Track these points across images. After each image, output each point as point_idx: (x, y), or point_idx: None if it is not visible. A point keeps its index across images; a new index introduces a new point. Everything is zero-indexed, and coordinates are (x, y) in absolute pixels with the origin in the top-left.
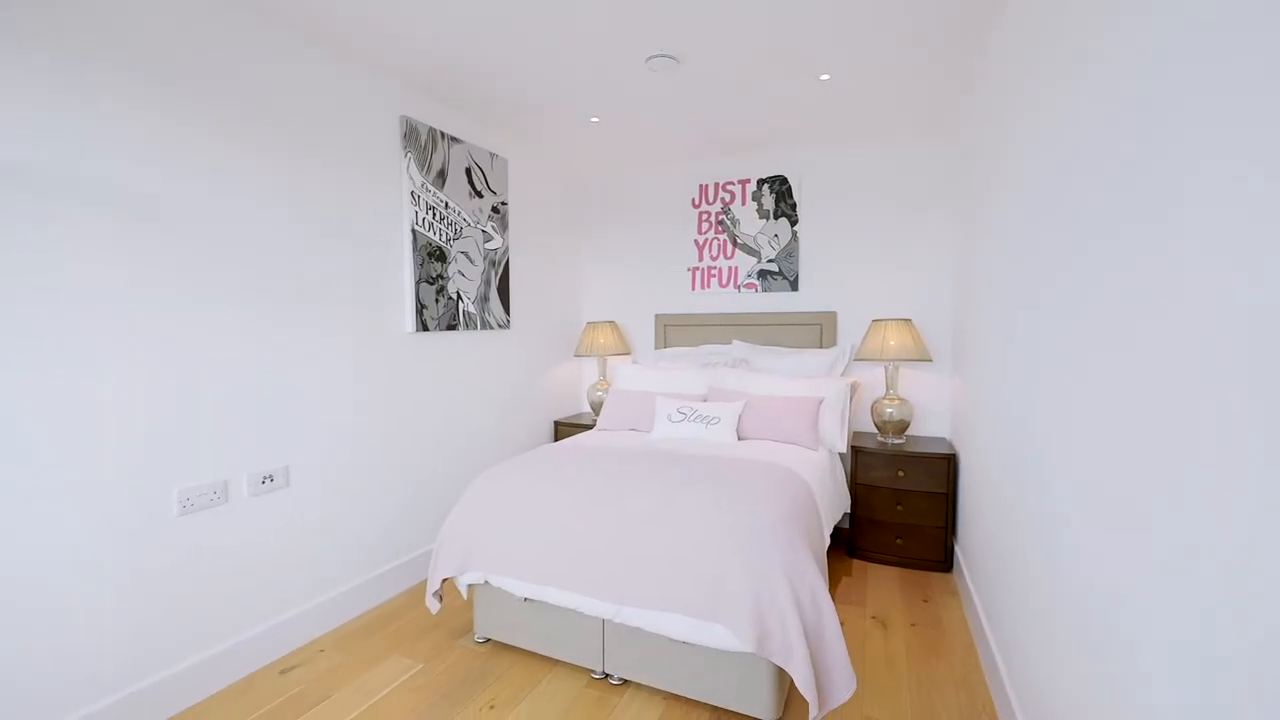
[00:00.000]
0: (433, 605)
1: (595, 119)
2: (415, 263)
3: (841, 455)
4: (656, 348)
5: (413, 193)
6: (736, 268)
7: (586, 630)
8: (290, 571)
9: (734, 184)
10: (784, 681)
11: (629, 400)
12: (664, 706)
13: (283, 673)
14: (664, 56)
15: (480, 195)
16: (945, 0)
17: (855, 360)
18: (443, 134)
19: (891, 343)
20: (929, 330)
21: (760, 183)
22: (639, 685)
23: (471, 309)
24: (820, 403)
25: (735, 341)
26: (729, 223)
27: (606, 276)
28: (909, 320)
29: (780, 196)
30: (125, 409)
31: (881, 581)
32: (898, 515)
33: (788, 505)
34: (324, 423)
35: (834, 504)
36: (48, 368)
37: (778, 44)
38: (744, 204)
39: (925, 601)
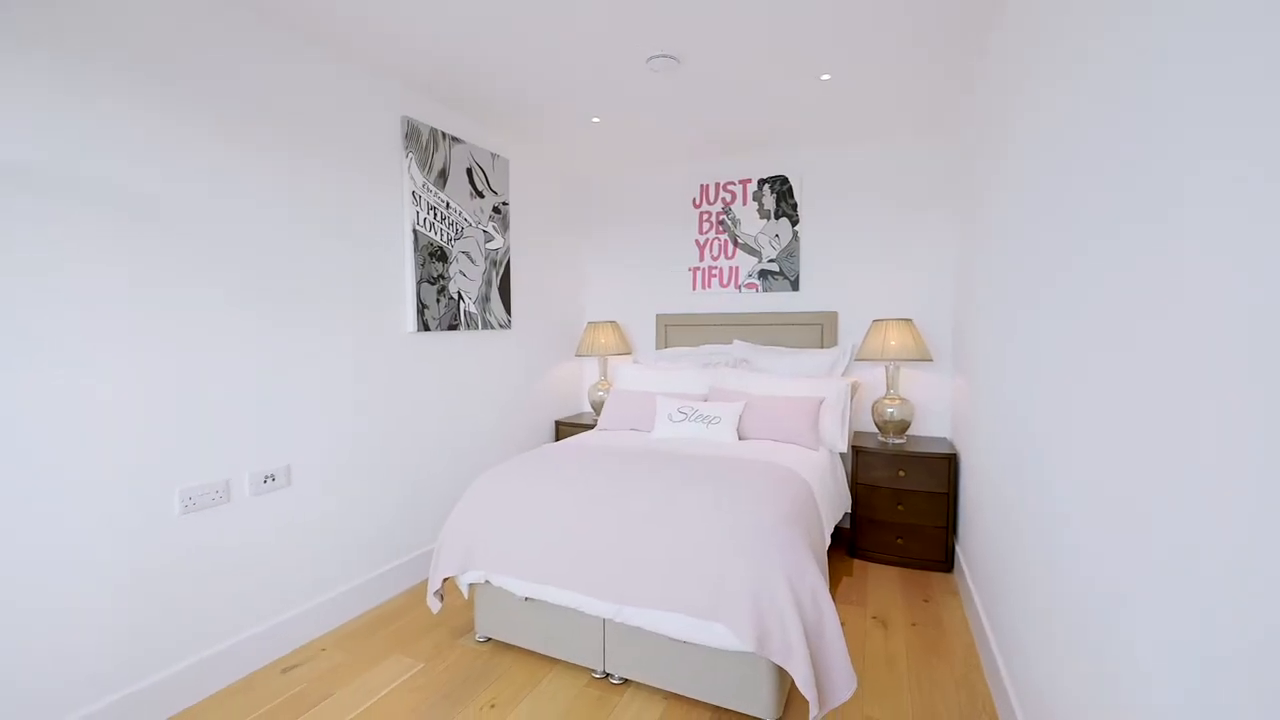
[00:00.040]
0: (434, 605)
1: (596, 119)
2: (416, 263)
3: (842, 455)
4: (657, 348)
5: (414, 193)
6: (737, 268)
7: (587, 630)
8: (291, 571)
9: (735, 184)
10: (784, 681)
11: (630, 400)
12: (664, 706)
13: (284, 672)
14: (664, 57)
15: (481, 195)
16: (945, 0)
17: (856, 360)
18: (444, 134)
19: (892, 343)
20: (929, 330)
21: (761, 183)
22: (639, 685)
23: (473, 309)
24: (821, 403)
25: (736, 341)
26: (730, 223)
27: (607, 276)
28: (910, 320)
29: (781, 196)
30: (126, 409)
31: (882, 581)
32: (898, 515)
33: (788, 505)
34: (325, 422)
35: (835, 504)
36: (48, 368)
37: (778, 44)
38: (745, 204)
39: (926, 601)
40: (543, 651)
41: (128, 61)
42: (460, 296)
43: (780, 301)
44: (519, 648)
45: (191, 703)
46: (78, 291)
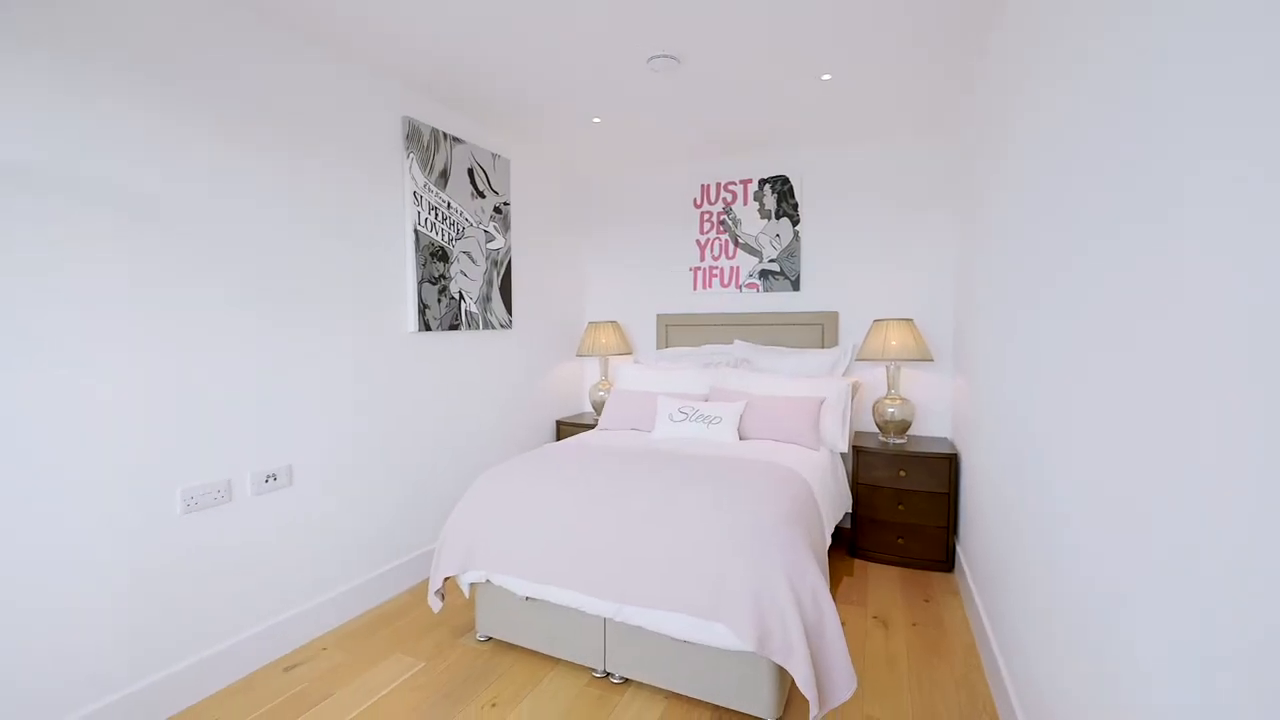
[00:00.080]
0: (435, 604)
1: (597, 119)
2: (418, 263)
3: (843, 455)
4: (658, 347)
5: (415, 193)
6: (738, 268)
7: (588, 629)
8: (292, 570)
9: (735, 184)
10: (785, 681)
11: (630, 400)
12: (665, 705)
13: (285, 671)
14: (665, 57)
15: (482, 195)
16: (945, 0)
17: (857, 360)
18: (445, 134)
19: (893, 343)
20: (930, 330)
21: (762, 183)
22: (640, 684)
23: (474, 309)
24: (822, 403)
25: (737, 341)
26: (730, 223)
27: (608, 276)
28: (910, 320)
29: (782, 196)
30: (126, 409)
31: (883, 581)
32: (899, 515)
33: (788, 505)
34: (327, 422)
35: (835, 504)
36: (48, 368)
37: (778, 44)
38: (745, 204)
39: (926, 601)
40: (543, 651)
41: (128, 61)
42: (461, 296)
43: (781, 301)
44: (520, 647)
45: (193, 702)
46: (78, 291)
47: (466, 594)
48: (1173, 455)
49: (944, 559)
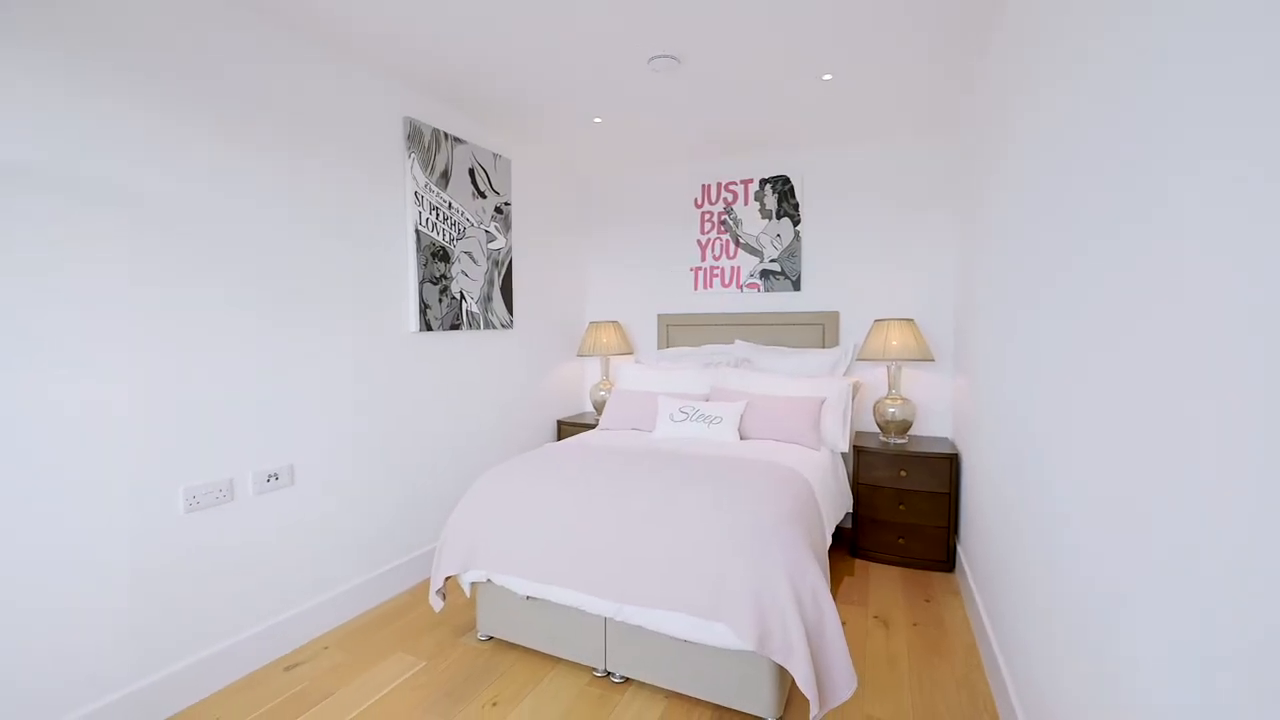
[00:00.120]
0: (436, 603)
1: (598, 119)
2: (419, 263)
3: (844, 455)
4: (659, 347)
5: (416, 193)
6: (739, 267)
7: (588, 629)
8: (294, 569)
9: (736, 184)
10: (785, 680)
11: (631, 400)
12: (665, 705)
13: (287, 670)
14: (666, 57)
15: (483, 195)
16: (945, 0)
17: (857, 360)
18: (446, 135)
19: (894, 343)
20: (931, 330)
21: (762, 183)
22: (641, 683)
23: (475, 309)
24: (822, 402)
25: (737, 341)
26: (731, 223)
27: (609, 276)
28: (911, 320)
29: (782, 196)
30: (127, 408)
31: (884, 581)
32: (900, 515)
33: (789, 505)
34: (328, 422)
35: (836, 503)
36: (48, 368)
37: (779, 44)
38: (746, 204)
39: (927, 601)
40: (544, 650)
41: (128, 61)
42: (462, 296)
43: (782, 301)
44: (521, 646)
45: (194, 701)
46: (78, 291)
47: (468, 593)
48: (1173, 455)
49: (945, 559)
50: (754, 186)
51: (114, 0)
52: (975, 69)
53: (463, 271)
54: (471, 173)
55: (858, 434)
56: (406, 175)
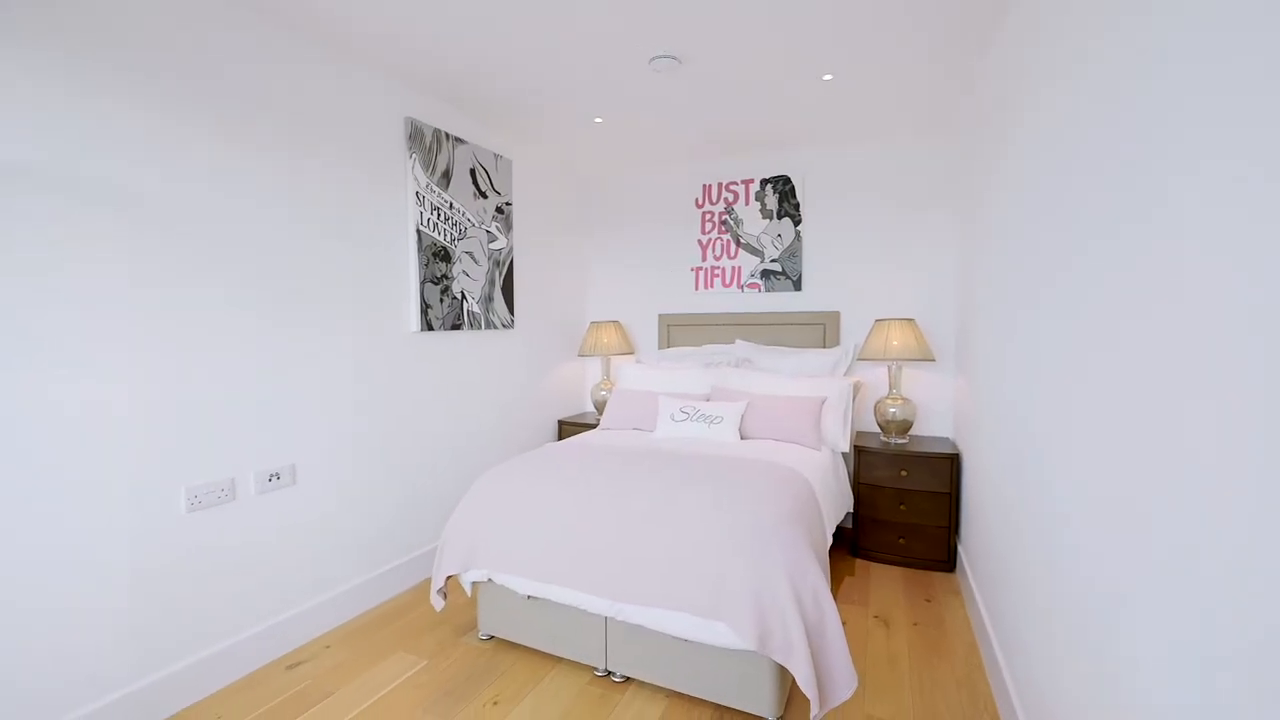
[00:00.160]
0: (437, 602)
1: (599, 119)
2: (420, 263)
3: (845, 455)
4: (660, 347)
5: (418, 193)
6: (740, 267)
7: (589, 628)
8: (295, 569)
9: (737, 184)
10: (786, 680)
11: (632, 400)
12: (666, 704)
13: (288, 669)
14: (667, 57)
15: (485, 196)
16: (945, 0)
17: (858, 360)
18: (447, 135)
19: (894, 342)
20: (932, 330)
21: (763, 183)
22: (641, 683)
23: (476, 309)
24: (823, 402)
25: (738, 341)
26: (732, 223)
27: (610, 276)
28: (912, 320)
29: (783, 196)
30: (127, 408)
31: (884, 581)
32: (901, 515)
33: (789, 504)
34: (330, 422)
35: (836, 503)
36: (48, 368)
37: (779, 44)
38: (747, 204)
39: (928, 601)
40: (545, 649)
41: (128, 61)
42: (464, 296)
43: (782, 301)
44: (522, 645)
45: (195, 700)
46: (78, 291)
47: (469, 593)
48: (1173, 455)
49: (945, 559)
50: (755, 186)
51: (114, 0)
52: (975, 69)
53: (464, 271)
54: (473, 173)
55: (858, 434)
56: (408, 175)
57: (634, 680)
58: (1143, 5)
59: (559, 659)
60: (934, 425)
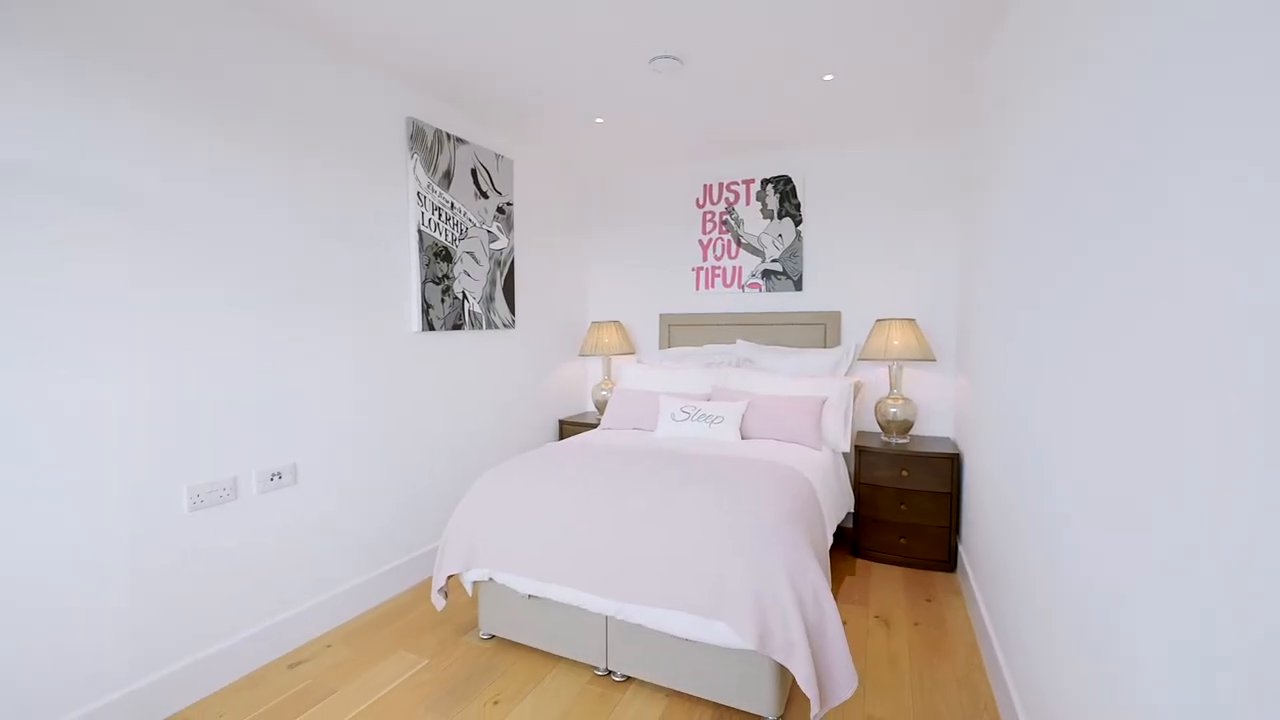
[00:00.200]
0: (438, 601)
1: (600, 120)
2: (422, 263)
3: (845, 455)
4: (661, 347)
5: (419, 193)
6: (741, 267)
7: (589, 627)
8: (297, 568)
9: (738, 184)
10: (786, 679)
11: (633, 399)
12: (666, 703)
13: (290, 668)
14: (667, 58)
15: (486, 196)
16: (945, 0)
17: (859, 360)
18: (448, 135)
19: (895, 342)
20: (933, 330)
21: (764, 183)
22: (642, 682)
23: (477, 309)
24: (824, 402)
25: (739, 341)
26: (733, 223)
27: (611, 276)
28: (913, 320)
29: (784, 196)
30: (127, 408)
31: (885, 581)
32: (901, 515)
33: (789, 504)
34: (332, 421)
35: (837, 503)
36: (48, 368)
37: (780, 45)
38: (748, 204)
39: (928, 601)
40: (546, 649)
41: (128, 61)
42: (465, 296)
43: (783, 301)
44: (522, 645)
45: (197, 699)
46: (78, 291)
47: (469, 592)
48: (1173, 455)
49: (946, 559)
50: (755, 186)
51: (114, 0)
52: (975, 69)
53: (465, 272)
54: (474, 173)
55: (859, 434)
56: (409, 176)
57: (634, 680)
58: (1143, 5)
59: (559, 658)
60: (935, 425)
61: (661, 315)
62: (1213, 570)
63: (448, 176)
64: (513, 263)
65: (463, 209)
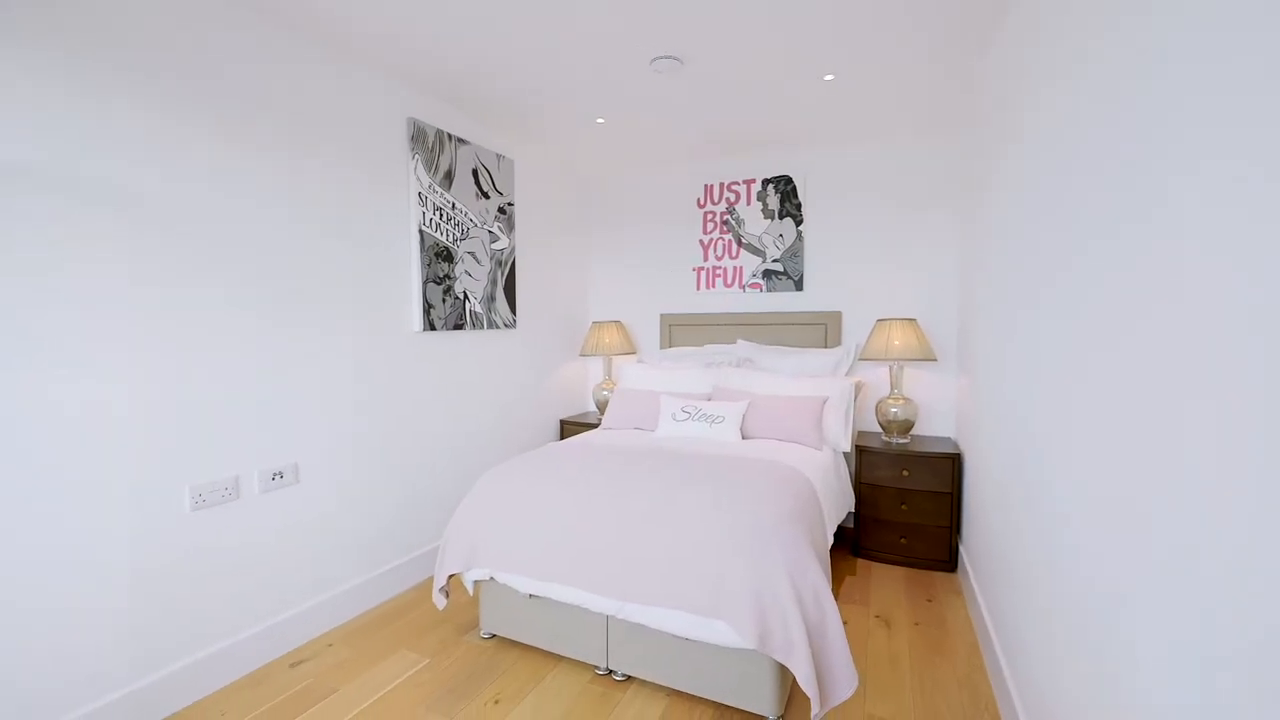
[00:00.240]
0: (439, 601)
1: (601, 120)
2: (423, 263)
3: (846, 455)
4: (662, 347)
5: (420, 194)
6: (741, 267)
7: (590, 627)
8: (298, 568)
9: (739, 184)
10: (786, 678)
11: (634, 399)
12: (667, 703)
13: (292, 666)
14: (668, 58)
15: (487, 196)
16: (945, 0)
17: (860, 360)
18: (450, 135)
19: (896, 342)
20: (934, 330)
21: (765, 183)
22: (642, 681)
23: (478, 309)
24: (824, 402)
25: (740, 341)
26: (734, 223)
27: (612, 276)
28: (914, 320)
29: (785, 196)
30: (127, 408)
31: (886, 581)
32: (902, 515)
33: (790, 504)
34: (333, 421)
35: (838, 503)
36: (48, 368)
37: (780, 45)
38: (749, 204)
39: (929, 601)
40: (547, 648)
41: (128, 61)
42: (466, 296)
43: (784, 301)
44: (523, 644)
45: (199, 697)
46: (78, 291)
47: (470, 591)
48: (1173, 455)
49: (947, 559)
50: (756, 186)
51: (114, 0)
52: (975, 69)
53: (466, 272)
54: (475, 173)
55: (860, 434)
56: (410, 176)
57: (635, 679)
58: (1143, 5)
59: (560, 657)
60: (936, 425)
61: (662, 315)
62: (1213, 570)
63: (449, 177)
64: (514, 263)
65: (464, 209)
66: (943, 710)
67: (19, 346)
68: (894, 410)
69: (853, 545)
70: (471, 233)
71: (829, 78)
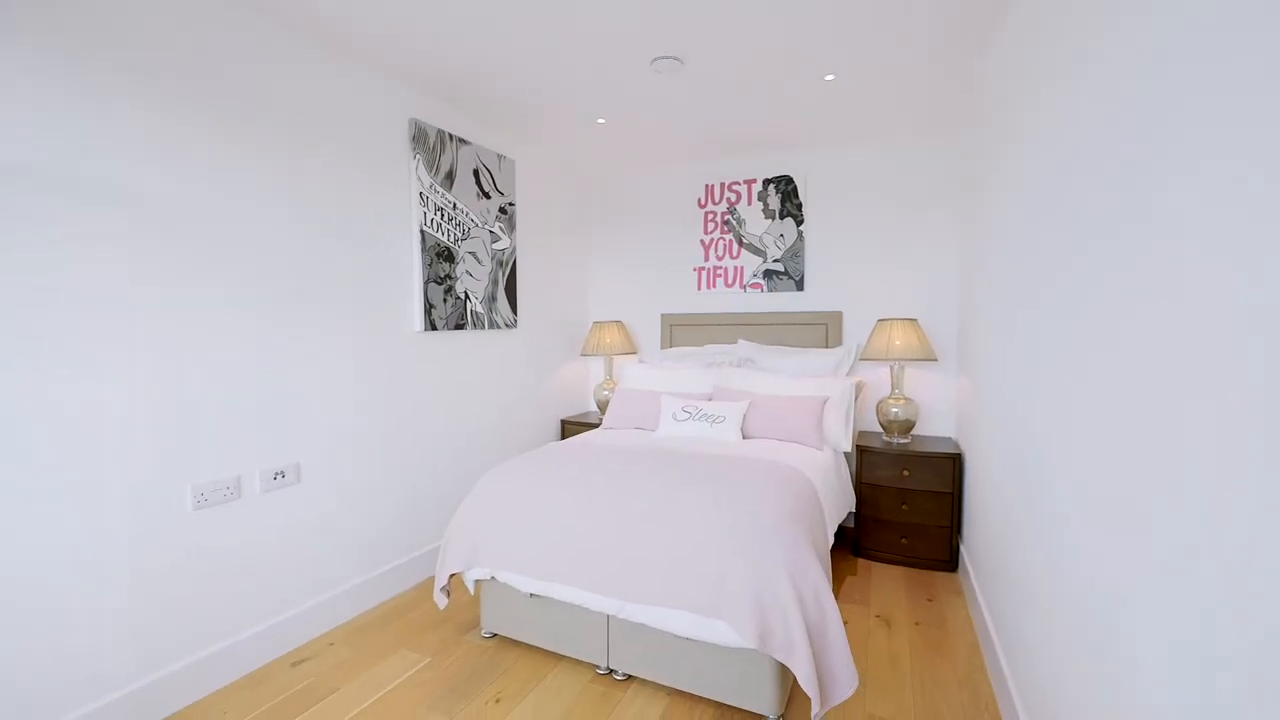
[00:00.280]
0: (440, 600)
1: (601, 120)
2: (424, 263)
3: (847, 455)
4: (662, 347)
5: (421, 194)
6: (742, 268)
7: (591, 626)
8: (299, 567)
9: (740, 184)
10: (787, 678)
11: (634, 399)
12: (667, 702)
13: (293, 665)
14: (669, 58)
15: (488, 196)
16: (945, 0)
17: (860, 360)
18: (451, 136)
19: (897, 342)
20: (934, 330)
21: (766, 183)
22: (643, 681)
23: (479, 309)
24: (825, 402)
25: (740, 341)
26: (735, 223)
27: (613, 276)
28: (914, 320)
29: (786, 196)
30: (127, 408)
31: (886, 580)
32: (903, 515)
33: (790, 504)
34: (334, 421)
35: (838, 503)
36: (48, 368)
37: (780, 45)
38: (750, 204)
39: (930, 601)
40: (547, 647)
41: (128, 61)
42: (467, 296)
43: (785, 301)
44: (524, 643)
45: (200, 696)
46: (78, 291)
47: (471, 591)
48: (1173, 455)
49: (948, 559)
50: (757, 186)
51: (114, 0)
52: (975, 69)
53: (467, 272)
54: (476, 173)
55: (861, 434)
56: (411, 176)
57: (635, 678)
58: (1143, 5)
59: (561, 657)
60: (936, 425)
61: (663, 315)
62: (1213, 570)
63: (450, 177)
64: (515, 263)
65: (465, 209)
66: (943, 710)
67: (19, 346)
68: (895, 410)
69: (853, 545)
70: (472, 233)
71: (829, 78)
